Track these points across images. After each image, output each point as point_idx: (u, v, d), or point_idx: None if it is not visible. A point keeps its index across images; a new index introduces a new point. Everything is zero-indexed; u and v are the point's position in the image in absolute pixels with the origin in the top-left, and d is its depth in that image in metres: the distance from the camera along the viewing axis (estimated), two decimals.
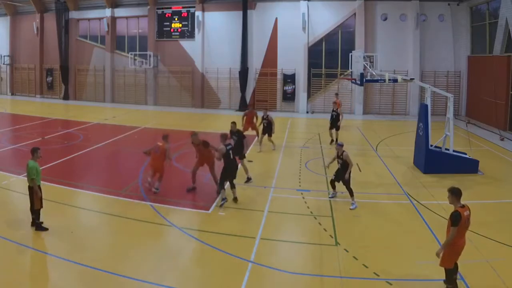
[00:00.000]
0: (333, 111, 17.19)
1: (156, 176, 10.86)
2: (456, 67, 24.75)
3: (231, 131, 12.11)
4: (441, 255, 6.15)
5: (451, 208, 6.25)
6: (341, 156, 10.04)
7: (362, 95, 25.65)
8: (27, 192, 8.34)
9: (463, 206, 6.19)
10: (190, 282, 6.79)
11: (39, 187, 8.27)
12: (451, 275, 6.24)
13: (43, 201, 8.44)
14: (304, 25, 25.96)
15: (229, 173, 10.09)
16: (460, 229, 6.04)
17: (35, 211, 8.27)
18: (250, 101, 27.17)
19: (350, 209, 9.79)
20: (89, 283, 6.60)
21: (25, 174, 8.42)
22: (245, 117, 16.16)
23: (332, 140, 16.95)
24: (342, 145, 10.32)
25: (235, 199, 10.13)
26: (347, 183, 10.00)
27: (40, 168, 8.39)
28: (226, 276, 6.88)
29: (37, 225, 8.28)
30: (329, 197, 10.48)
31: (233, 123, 12.41)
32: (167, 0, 28.93)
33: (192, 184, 11.09)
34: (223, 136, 10.35)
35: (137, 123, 21.85)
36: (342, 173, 10.00)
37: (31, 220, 8.35)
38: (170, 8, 28.84)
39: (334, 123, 16.87)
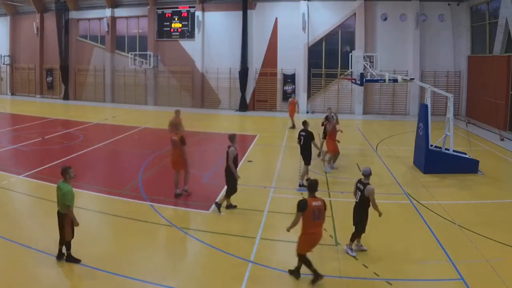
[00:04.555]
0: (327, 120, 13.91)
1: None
2: (456, 67, 24.75)
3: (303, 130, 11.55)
4: (290, 230, 6.66)
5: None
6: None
7: (362, 95, 25.66)
8: (55, 215, 7.14)
9: (315, 197, 6.51)
10: (190, 282, 6.78)
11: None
12: (303, 261, 6.56)
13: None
14: (304, 25, 25.96)
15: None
16: (307, 218, 6.42)
17: (67, 243, 7.09)
18: (250, 102, 27.21)
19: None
20: (89, 283, 6.60)
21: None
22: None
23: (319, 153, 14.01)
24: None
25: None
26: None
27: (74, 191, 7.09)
28: (226, 276, 6.87)
29: (68, 255, 7.12)
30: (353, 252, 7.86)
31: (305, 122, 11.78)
32: (167, 0, 28.94)
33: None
34: (232, 137, 9.61)
35: (137, 123, 21.84)
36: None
37: (57, 252, 7.19)
38: (170, 8, 28.85)
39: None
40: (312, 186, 6.68)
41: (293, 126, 20.32)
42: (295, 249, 6.70)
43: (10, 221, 8.87)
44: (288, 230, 6.67)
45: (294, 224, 6.61)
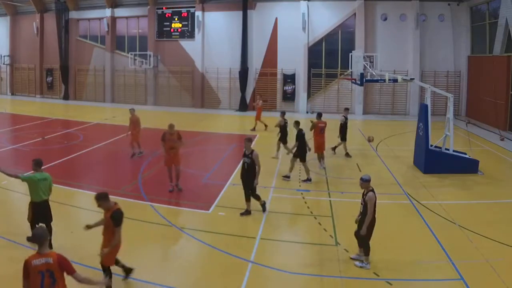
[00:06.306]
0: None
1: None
2: (456, 67, 24.75)
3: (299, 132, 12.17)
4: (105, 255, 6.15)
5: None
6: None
7: (362, 95, 25.65)
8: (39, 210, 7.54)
9: (116, 203, 6.27)
10: (190, 282, 6.78)
11: None
12: (108, 272, 6.31)
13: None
14: (304, 25, 25.96)
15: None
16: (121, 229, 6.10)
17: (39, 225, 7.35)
18: (250, 100, 27.23)
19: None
20: None
21: (26, 174, 8.32)
22: None
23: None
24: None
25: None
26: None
27: None
28: (226, 276, 6.87)
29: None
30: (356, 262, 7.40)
31: (297, 122, 12.63)
32: (167, 0, 28.95)
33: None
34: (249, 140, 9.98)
35: None
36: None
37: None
38: (170, 8, 28.86)
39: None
40: (106, 195, 6.24)
41: (254, 129, 20.06)
42: (104, 263, 6.28)
43: (10, 221, 8.86)
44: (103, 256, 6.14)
45: (118, 241, 6.11)
